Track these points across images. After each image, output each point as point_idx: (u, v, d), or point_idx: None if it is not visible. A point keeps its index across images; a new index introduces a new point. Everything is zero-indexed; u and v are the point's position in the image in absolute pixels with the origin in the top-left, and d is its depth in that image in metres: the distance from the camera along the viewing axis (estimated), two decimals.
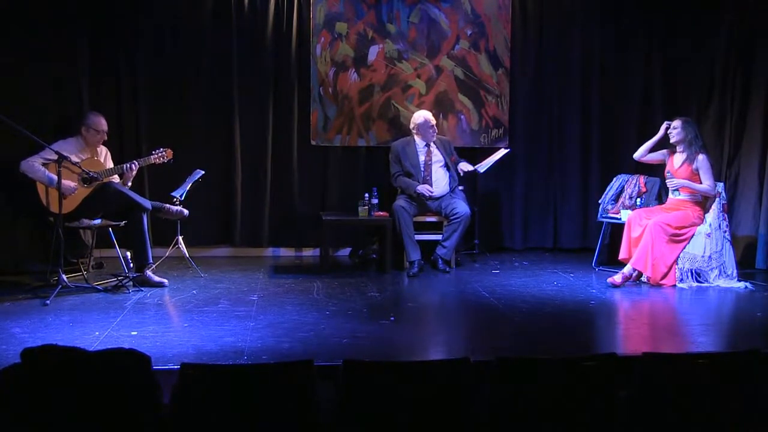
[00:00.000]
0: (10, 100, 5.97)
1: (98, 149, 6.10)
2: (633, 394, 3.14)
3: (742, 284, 6.03)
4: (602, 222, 6.85)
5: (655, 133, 6.40)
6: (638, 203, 6.57)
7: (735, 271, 6.14)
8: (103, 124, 6.03)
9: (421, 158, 6.80)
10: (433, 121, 6.83)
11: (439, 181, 6.78)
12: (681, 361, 3.30)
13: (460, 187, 6.93)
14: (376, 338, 4.53)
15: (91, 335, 4.45)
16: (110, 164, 6.15)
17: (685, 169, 6.14)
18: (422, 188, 6.70)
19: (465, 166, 6.80)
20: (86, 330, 4.56)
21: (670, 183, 6.21)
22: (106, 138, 6.09)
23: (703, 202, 6.19)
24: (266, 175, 7.18)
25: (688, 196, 6.16)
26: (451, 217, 6.59)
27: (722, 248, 6.12)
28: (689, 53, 7.44)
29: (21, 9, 6.24)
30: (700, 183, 6.10)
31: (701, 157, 6.10)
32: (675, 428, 3.11)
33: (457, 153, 6.99)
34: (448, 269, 6.55)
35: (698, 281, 6.07)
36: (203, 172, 6.45)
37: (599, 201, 6.90)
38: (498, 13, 7.35)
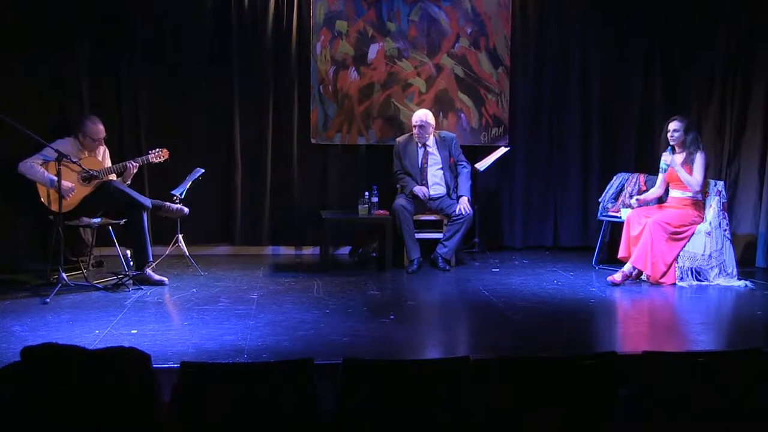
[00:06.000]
0: (10, 100, 5.97)
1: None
2: (633, 393, 3.14)
3: (742, 283, 6.03)
4: (602, 220, 6.85)
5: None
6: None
7: (735, 269, 6.14)
8: (100, 131, 5.95)
9: (419, 159, 6.79)
10: (427, 121, 6.72)
11: (436, 185, 6.77)
12: (681, 360, 3.30)
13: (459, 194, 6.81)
14: (376, 337, 4.53)
15: (91, 333, 4.46)
16: (108, 163, 6.15)
17: (686, 169, 6.12)
18: (418, 190, 6.69)
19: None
20: (86, 328, 4.57)
21: (665, 158, 6.15)
22: (103, 142, 6.07)
23: (701, 202, 6.18)
24: (266, 174, 7.18)
25: (687, 195, 6.15)
26: (454, 217, 6.58)
27: (722, 247, 6.11)
28: (689, 53, 7.43)
29: (21, 9, 6.24)
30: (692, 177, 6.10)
31: (699, 154, 6.11)
32: (675, 428, 3.11)
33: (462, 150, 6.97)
34: (448, 268, 6.55)
35: (698, 280, 6.07)
36: (203, 171, 6.44)
37: (599, 199, 6.90)
38: (498, 12, 7.35)
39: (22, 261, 6.27)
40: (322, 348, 4.22)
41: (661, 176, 6.32)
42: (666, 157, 6.17)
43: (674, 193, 6.25)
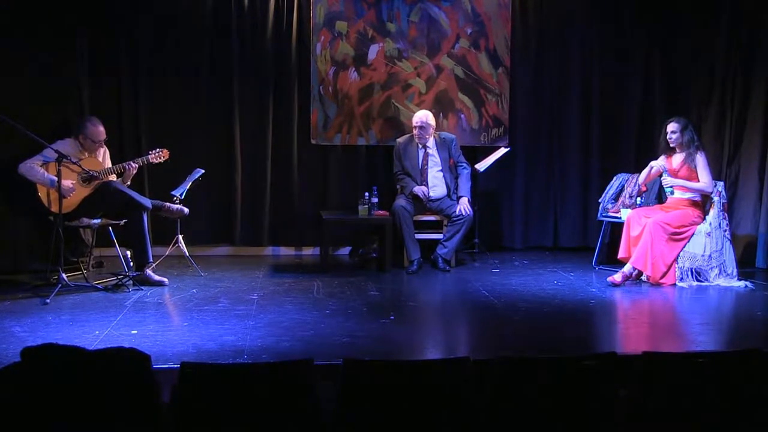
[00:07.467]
0: (10, 100, 5.97)
1: None
2: (633, 393, 3.14)
3: (742, 283, 6.03)
4: (602, 221, 6.85)
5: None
6: (638, 202, 6.57)
7: (735, 270, 6.14)
8: (100, 133, 5.94)
9: (419, 160, 6.79)
10: (427, 122, 6.72)
11: (437, 186, 6.77)
12: (681, 360, 3.30)
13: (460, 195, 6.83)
14: (376, 337, 4.52)
15: (91, 334, 4.45)
16: (108, 163, 6.15)
17: (686, 169, 6.14)
18: (419, 190, 6.69)
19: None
20: (86, 329, 4.57)
21: (665, 181, 6.22)
22: (104, 143, 6.07)
23: (703, 202, 6.20)
24: (266, 174, 7.18)
25: (688, 196, 6.16)
26: (454, 218, 6.58)
27: (722, 247, 6.11)
28: (689, 53, 7.44)
29: (21, 9, 6.24)
30: (698, 181, 6.11)
31: (699, 155, 6.11)
32: (675, 428, 3.11)
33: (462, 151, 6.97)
34: (448, 268, 6.55)
35: (698, 280, 6.07)
36: (203, 171, 6.45)
37: (599, 200, 6.90)
38: (498, 12, 7.35)
39: (22, 261, 6.27)
40: (322, 348, 4.22)
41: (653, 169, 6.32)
42: (666, 182, 6.22)
43: (674, 193, 6.25)
